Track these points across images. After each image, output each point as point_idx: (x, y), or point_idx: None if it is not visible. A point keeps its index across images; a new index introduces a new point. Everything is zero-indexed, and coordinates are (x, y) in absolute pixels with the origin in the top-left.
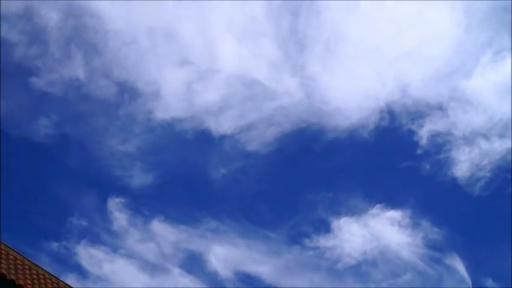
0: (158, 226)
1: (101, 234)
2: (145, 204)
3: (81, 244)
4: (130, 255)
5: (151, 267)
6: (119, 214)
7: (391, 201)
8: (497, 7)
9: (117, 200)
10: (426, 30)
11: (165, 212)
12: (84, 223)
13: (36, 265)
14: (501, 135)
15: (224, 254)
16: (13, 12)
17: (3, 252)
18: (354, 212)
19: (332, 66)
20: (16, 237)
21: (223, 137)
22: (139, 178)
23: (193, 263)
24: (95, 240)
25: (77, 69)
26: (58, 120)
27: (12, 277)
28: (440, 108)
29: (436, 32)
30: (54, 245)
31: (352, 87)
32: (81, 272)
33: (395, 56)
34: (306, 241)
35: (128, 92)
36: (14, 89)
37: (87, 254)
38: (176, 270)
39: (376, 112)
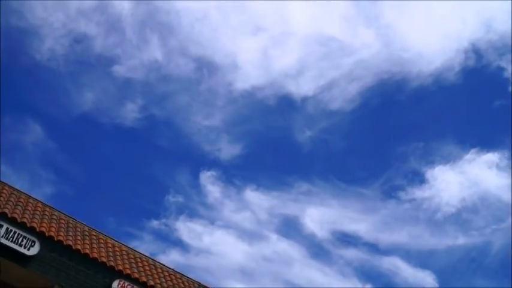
0: (251, 195)
1: (197, 208)
2: (237, 175)
3: (180, 220)
4: (227, 226)
5: (249, 235)
6: (212, 187)
7: (487, 144)
8: None
9: (209, 173)
10: None
11: (257, 180)
12: (181, 199)
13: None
14: None
15: (319, 216)
16: (88, 7)
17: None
18: (448, 159)
19: (408, 10)
20: (119, 219)
21: (305, 99)
22: (228, 150)
23: (290, 227)
24: (193, 215)
25: (154, 51)
26: (144, 104)
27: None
28: None
29: None
30: (155, 223)
31: (431, 29)
32: (183, 246)
33: None
34: (401, 194)
35: (206, 67)
36: (99, 79)
37: (186, 229)
38: (273, 236)
39: (461, 52)
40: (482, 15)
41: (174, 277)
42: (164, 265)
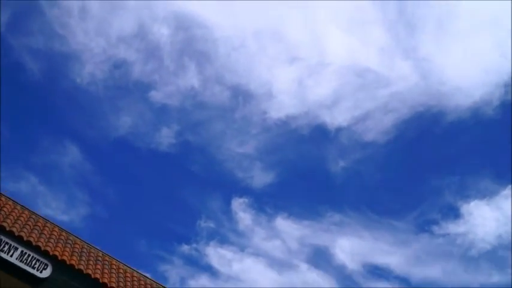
0: (282, 223)
1: (228, 235)
2: (268, 203)
3: (211, 245)
4: (257, 253)
5: (279, 264)
6: (243, 214)
7: None
8: None
9: (241, 200)
10: None
11: (288, 208)
12: (212, 225)
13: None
14: None
15: (350, 247)
16: (128, 33)
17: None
18: (484, 194)
19: (446, 44)
20: (151, 242)
21: (339, 130)
22: (260, 178)
23: (320, 258)
24: (223, 241)
25: (191, 79)
26: (179, 129)
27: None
28: None
29: None
30: (186, 247)
31: (470, 63)
32: (212, 272)
33: None
34: (435, 228)
35: (241, 95)
36: (136, 104)
37: (216, 255)
38: (303, 266)
39: (500, 86)
40: None
41: None
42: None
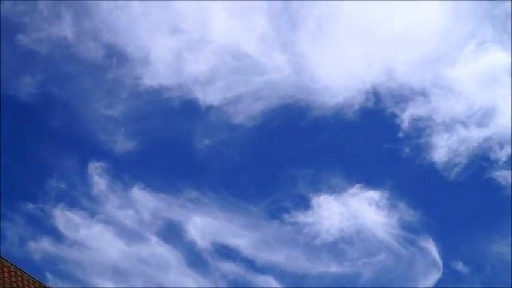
0: (138, 193)
1: (79, 199)
2: (126, 171)
3: (59, 207)
4: (108, 221)
5: (129, 234)
6: (98, 179)
7: (371, 182)
8: (483, 1)
9: (98, 164)
10: (416, 16)
11: (146, 179)
12: (63, 186)
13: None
14: (479, 124)
15: (203, 225)
16: None
17: None
18: (334, 190)
19: (322, 45)
20: None
21: (209, 108)
22: (122, 144)
23: (172, 232)
24: (73, 204)
25: (65, 29)
26: (42, 80)
27: None
28: (423, 93)
29: (425, 18)
30: (30, 206)
31: (340, 66)
32: (56, 236)
33: (384, 38)
34: (285, 216)
35: (116, 55)
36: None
37: (64, 218)
38: (154, 239)
39: (362, 93)
40: (387, 64)
41: None
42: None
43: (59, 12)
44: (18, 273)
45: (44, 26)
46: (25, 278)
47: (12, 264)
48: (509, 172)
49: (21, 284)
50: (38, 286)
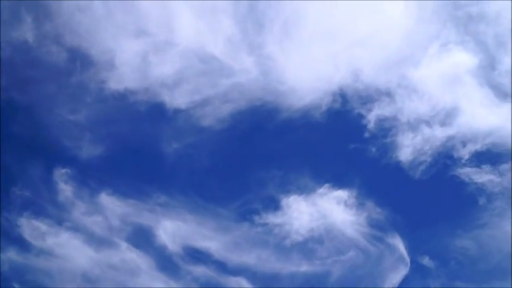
0: (106, 199)
1: (45, 206)
2: (93, 177)
3: (24, 216)
4: (76, 228)
5: (98, 241)
6: (64, 186)
7: (339, 182)
8: (447, 2)
9: (64, 171)
10: (381, 19)
11: (114, 185)
12: (28, 194)
13: None
14: (443, 123)
15: (173, 229)
16: None
17: None
18: (303, 190)
19: (289, 47)
20: None
21: (177, 111)
22: (88, 149)
23: (141, 238)
24: (39, 212)
25: (26, 32)
26: (3, 84)
27: None
28: (389, 94)
29: (389, 21)
30: None
31: (307, 69)
32: (23, 245)
33: (349, 41)
34: (255, 218)
35: (80, 59)
36: None
37: (30, 226)
38: (123, 244)
39: (329, 94)
40: (354, 65)
41: None
42: None
43: (18, 15)
44: None
45: (5, 30)
46: None
47: None
48: (472, 169)
49: None
50: None
